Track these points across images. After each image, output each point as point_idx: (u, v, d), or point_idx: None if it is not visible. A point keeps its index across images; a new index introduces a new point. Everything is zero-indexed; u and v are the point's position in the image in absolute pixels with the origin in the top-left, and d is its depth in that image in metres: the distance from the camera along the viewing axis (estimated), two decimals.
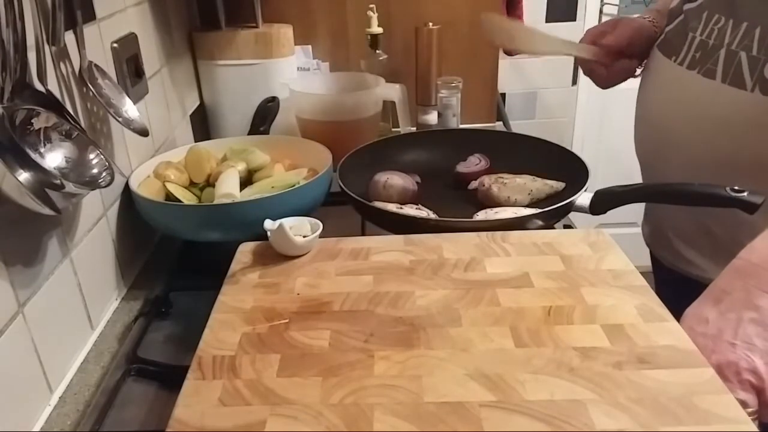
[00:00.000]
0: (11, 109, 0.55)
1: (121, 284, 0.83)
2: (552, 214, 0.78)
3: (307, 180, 0.87)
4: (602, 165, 2.16)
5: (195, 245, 0.90)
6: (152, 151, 0.96)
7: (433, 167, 0.98)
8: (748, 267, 0.58)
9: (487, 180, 0.88)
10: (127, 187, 0.85)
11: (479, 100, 1.36)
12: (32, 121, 0.58)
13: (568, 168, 0.88)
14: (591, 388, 0.48)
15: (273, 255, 0.69)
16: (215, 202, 0.84)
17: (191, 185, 0.91)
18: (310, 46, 1.31)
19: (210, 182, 0.90)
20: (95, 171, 0.63)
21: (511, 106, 2.16)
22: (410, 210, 0.83)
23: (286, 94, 1.18)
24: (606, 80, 0.95)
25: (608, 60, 0.91)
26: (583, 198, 0.79)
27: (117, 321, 0.78)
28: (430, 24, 1.22)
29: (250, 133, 1.15)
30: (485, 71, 1.36)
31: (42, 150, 0.58)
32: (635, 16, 0.94)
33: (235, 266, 0.68)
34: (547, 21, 2.08)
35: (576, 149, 1.01)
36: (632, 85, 0.94)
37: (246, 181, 0.91)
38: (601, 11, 2.09)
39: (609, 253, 0.67)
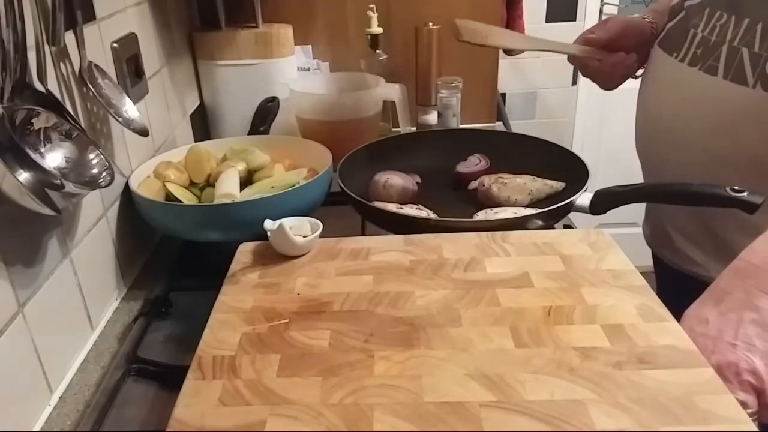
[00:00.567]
0: (11, 109, 0.55)
1: (121, 284, 0.83)
2: (552, 214, 0.78)
3: (307, 180, 0.87)
4: (602, 165, 2.17)
5: (195, 245, 0.90)
6: (152, 151, 0.96)
7: (433, 167, 0.98)
8: (748, 268, 0.58)
9: (487, 180, 0.88)
10: (127, 187, 0.85)
11: (479, 100, 1.36)
12: (32, 121, 0.58)
13: (568, 168, 0.88)
14: (591, 388, 0.48)
15: (273, 255, 0.69)
16: (215, 202, 0.84)
17: (191, 185, 0.91)
18: (310, 46, 1.31)
19: (210, 182, 0.90)
20: (95, 171, 0.63)
21: (511, 106, 2.16)
22: (410, 210, 0.83)
23: (286, 94, 1.18)
24: (606, 80, 0.95)
25: (599, 55, 0.91)
26: (583, 198, 0.79)
27: (117, 321, 0.78)
28: (430, 24, 1.22)
29: (250, 133, 1.15)
30: (485, 71, 1.36)
31: (42, 150, 0.58)
32: (634, 16, 0.94)
33: (235, 266, 0.68)
34: (547, 21, 2.08)
35: (576, 149, 1.01)
36: (633, 85, 0.94)
37: (246, 181, 0.91)
38: (601, 11, 2.10)
39: (609, 253, 0.67)
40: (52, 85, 0.66)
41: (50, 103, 0.61)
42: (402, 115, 1.20)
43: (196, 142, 1.08)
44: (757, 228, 0.61)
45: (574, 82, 2.15)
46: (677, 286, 0.60)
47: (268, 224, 0.69)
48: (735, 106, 0.73)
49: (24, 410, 0.60)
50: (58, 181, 0.56)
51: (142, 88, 0.92)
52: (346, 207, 0.86)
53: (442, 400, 0.47)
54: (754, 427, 0.44)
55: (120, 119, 0.76)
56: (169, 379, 0.64)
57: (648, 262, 0.96)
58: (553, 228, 0.83)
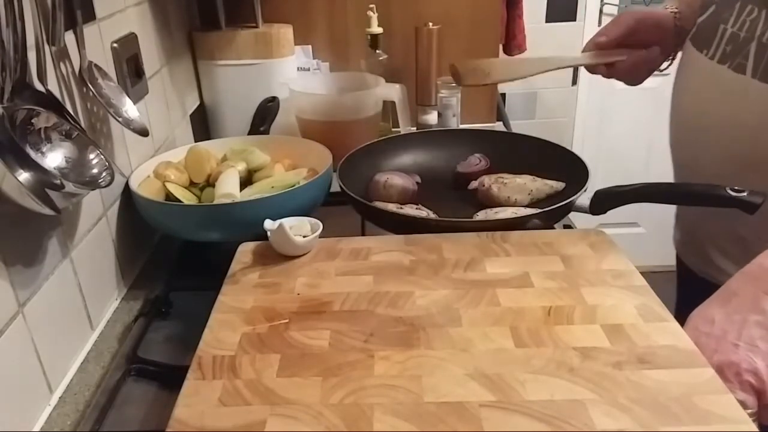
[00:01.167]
0: (11, 109, 0.55)
1: (121, 284, 0.83)
2: (552, 214, 0.78)
3: (307, 180, 0.87)
4: (602, 165, 2.16)
5: (195, 245, 0.90)
6: (152, 151, 0.96)
7: (433, 167, 0.98)
8: (759, 271, 0.58)
9: (487, 180, 0.88)
10: (127, 187, 0.85)
11: (479, 100, 1.36)
12: (32, 121, 0.58)
13: (568, 168, 0.88)
14: (591, 388, 0.48)
15: (273, 255, 0.69)
16: (215, 202, 0.84)
17: (191, 185, 0.91)
18: (310, 46, 1.31)
19: (210, 182, 0.90)
20: (95, 171, 0.63)
21: (511, 106, 2.16)
22: (410, 210, 0.83)
23: (286, 94, 1.18)
24: (630, 78, 0.88)
25: (615, 56, 0.84)
26: (583, 198, 0.78)
27: (117, 321, 0.78)
28: (430, 24, 1.22)
29: (250, 133, 1.15)
30: None
31: (42, 150, 0.58)
32: (663, 5, 0.88)
33: (235, 266, 0.68)
34: (547, 21, 2.08)
35: (576, 149, 1.01)
36: (633, 85, 0.93)
37: (246, 181, 0.91)
38: (601, 11, 2.09)
39: (609, 253, 0.67)
40: (52, 85, 0.66)
41: (50, 103, 0.61)
42: (402, 115, 1.20)
43: (196, 142, 1.08)
44: None
45: (574, 82, 2.15)
46: (704, 296, 0.59)
47: (268, 224, 0.69)
48: (763, 107, 0.70)
49: (24, 410, 0.60)
50: (58, 181, 0.56)
51: (142, 88, 0.92)
52: (346, 207, 0.86)
53: (442, 400, 0.47)
54: (754, 427, 0.44)
55: (120, 119, 0.76)
56: (169, 379, 0.64)
57: (648, 262, 0.96)
58: (553, 228, 0.83)
